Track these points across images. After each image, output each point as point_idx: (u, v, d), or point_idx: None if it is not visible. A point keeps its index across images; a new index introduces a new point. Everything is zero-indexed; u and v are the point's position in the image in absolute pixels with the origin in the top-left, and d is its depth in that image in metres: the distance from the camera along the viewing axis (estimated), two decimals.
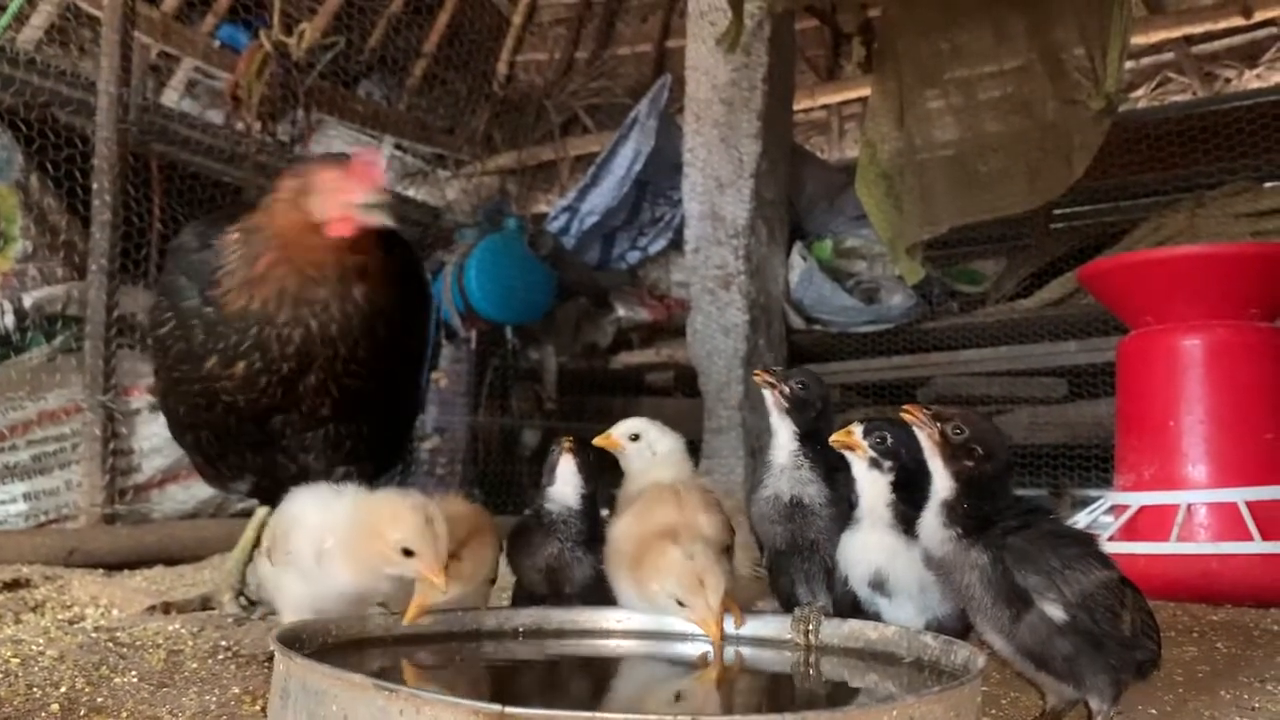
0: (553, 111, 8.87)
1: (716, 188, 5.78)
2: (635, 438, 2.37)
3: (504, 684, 1.91)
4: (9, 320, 4.89)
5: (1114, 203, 6.69)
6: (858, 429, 1.93)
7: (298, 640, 1.67)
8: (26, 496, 4.82)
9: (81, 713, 1.78)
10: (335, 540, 1.91)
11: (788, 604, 2.09)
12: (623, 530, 2.10)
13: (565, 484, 2.21)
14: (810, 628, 1.93)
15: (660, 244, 7.39)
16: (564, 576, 2.18)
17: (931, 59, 5.66)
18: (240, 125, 6.28)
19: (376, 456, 2.73)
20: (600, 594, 2.13)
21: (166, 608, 2.88)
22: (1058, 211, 6.66)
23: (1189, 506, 3.31)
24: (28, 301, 4.96)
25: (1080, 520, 3.65)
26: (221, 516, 5.16)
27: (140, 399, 5.11)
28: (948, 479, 1.73)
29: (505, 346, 6.74)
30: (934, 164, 5.61)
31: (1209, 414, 3.38)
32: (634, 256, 7.51)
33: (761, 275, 5.88)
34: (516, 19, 9.24)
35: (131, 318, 5.14)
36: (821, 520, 2.03)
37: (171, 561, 4.36)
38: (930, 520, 1.74)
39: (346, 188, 2.31)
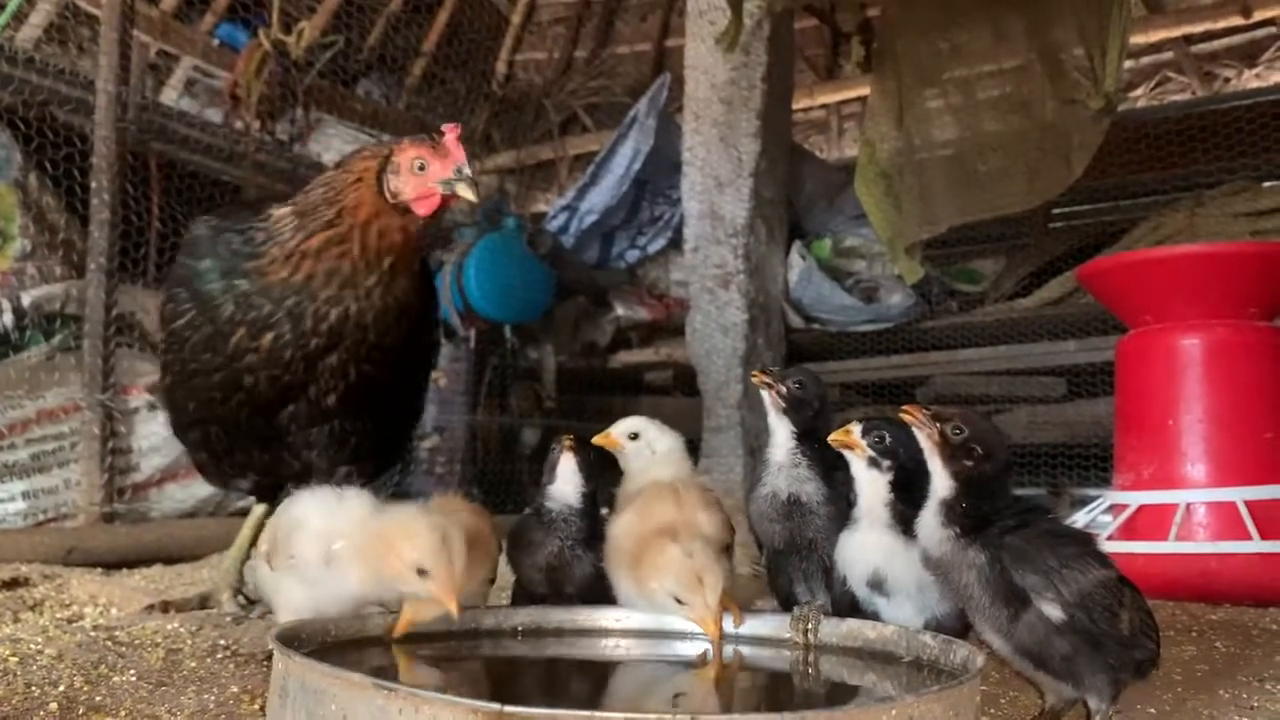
0: (552, 110, 8.87)
1: (715, 187, 5.78)
2: (634, 436, 2.37)
3: (503, 683, 1.91)
4: (8, 319, 4.88)
5: (1113, 202, 6.70)
6: (856, 428, 1.93)
7: (296, 639, 1.67)
8: (25, 495, 4.81)
9: (80, 711, 1.78)
10: (346, 546, 1.90)
11: (786, 603, 2.10)
12: (622, 528, 2.10)
13: (566, 482, 2.21)
14: (809, 627, 1.93)
15: (659, 243, 7.39)
16: (565, 574, 2.19)
17: (931, 58, 5.65)
18: (239, 124, 6.28)
19: (378, 456, 2.73)
20: (601, 592, 2.13)
21: (165, 606, 2.87)
22: (1057, 211, 6.67)
23: (1188, 506, 3.31)
24: (26, 300, 4.95)
25: (1079, 519, 3.65)
26: (220, 515, 5.15)
27: (139, 397, 5.11)
28: (947, 479, 1.73)
29: (504, 345, 6.73)
30: (933, 163, 5.60)
31: (1208, 413, 3.38)
32: (633, 255, 7.51)
33: (760, 274, 5.88)
34: (515, 18, 9.24)
35: (130, 316, 5.14)
36: (819, 519, 2.03)
37: (170, 560, 4.36)
38: (928, 519, 1.74)
39: (432, 164, 2.29)
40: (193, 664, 2.12)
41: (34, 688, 1.88)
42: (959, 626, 1.85)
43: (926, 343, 6.21)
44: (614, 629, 2.03)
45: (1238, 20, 7.13)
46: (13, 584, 3.53)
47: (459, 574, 1.83)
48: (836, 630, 1.92)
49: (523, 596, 2.28)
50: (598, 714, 1.26)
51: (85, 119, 5.06)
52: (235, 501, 5.12)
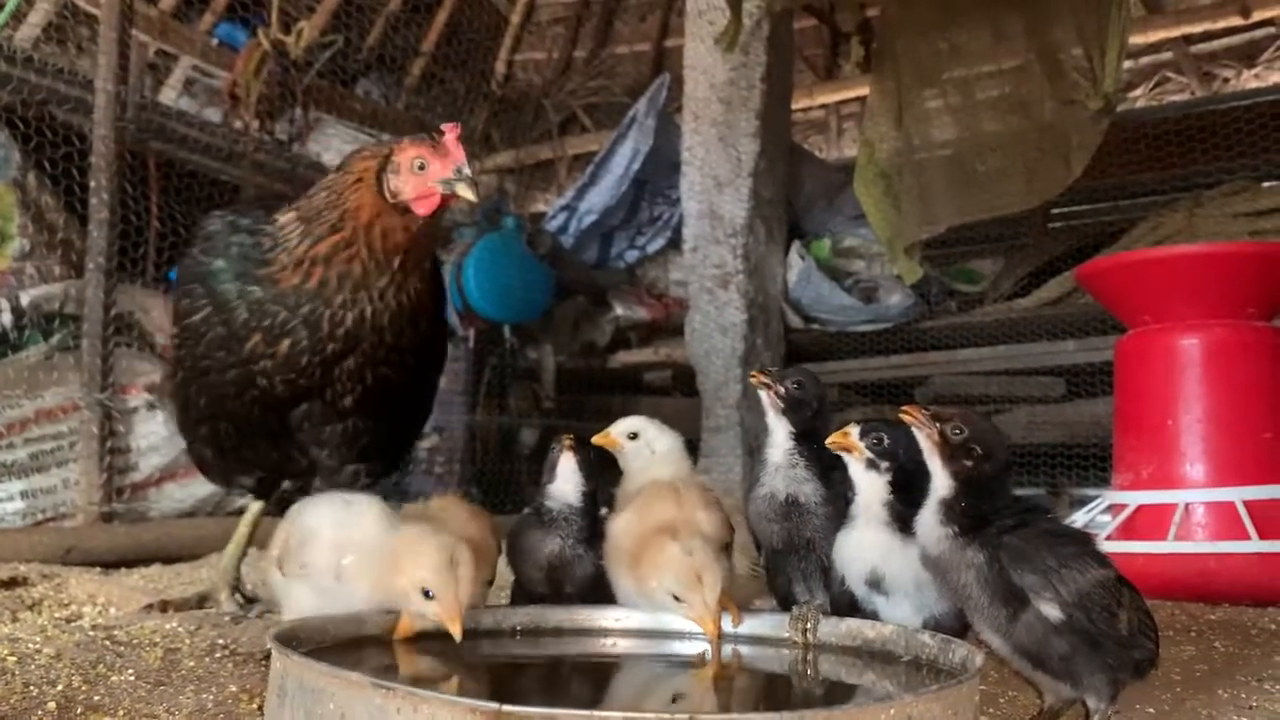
0: (551, 110, 8.87)
1: (715, 187, 5.78)
2: (634, 436, 2.37)
3: (502, 682, 1.91)
4: (6, 318, 4.88)
5: (1112, 202, 6.71)
6: (854, 430, 1.93)
7: (295, 638, 1.66)
8: (24, 494, 4.81)
9: (78, 711, 1.78)
10: (355, 559, 1.91)
11: (785, 602, 2.10)
12: (622, 527, 2.10)
13: (566, 481, 2.21)
14: (808, 626, 1.93)
15: (658, 243, 7.39)
16: (565, 574, 2.18)
17: (930, 59, 5.66)
18: (238, 123, 6.28)
19: (386, 455, 2.72)
20: (601, 591, 2.13)
21: (164, 606, 2.87)
22: (1056, 211, 6.67)
23: (1187, 506, 3.31)
24: (25, 300, 4.95)
25: (1078, 519, 3.65)
26: (219, 515, 5.15)
27: (137, 397, 5.11)
28: (947, 479, 1.73)
29: (503, 345, 6.73)
30: (932, 163, 5.61)
31: (1207, 413, 3.38)
32: (632, 255, 7.51)
33: (760, 274, 5.88)
34: (515, 18, 9.25)
35: (129, 316, 5.13)
36: (817, 519, 2.03)
37: (169, 560, 4.36)
38: (927, 519, 1.74)
39: (432, 164, 2.28)
40: (191, 663, 2.11)
41: (32, 687, 1.88)
42: (957, 625, 1.85)
43: (925, 343, 6.22)
44: (613, 628, 2.03)
45: (1237, 20, 7.14)
46: (11, 583, 3.53)
47: (466, 595, 1.83)
48: (835, 629, 1.92)
49: (522, 596, 2.27)
50: (596, 714, 1.25)
51: (84, 118, 5.06)
52: (234, 501, 5.12)
